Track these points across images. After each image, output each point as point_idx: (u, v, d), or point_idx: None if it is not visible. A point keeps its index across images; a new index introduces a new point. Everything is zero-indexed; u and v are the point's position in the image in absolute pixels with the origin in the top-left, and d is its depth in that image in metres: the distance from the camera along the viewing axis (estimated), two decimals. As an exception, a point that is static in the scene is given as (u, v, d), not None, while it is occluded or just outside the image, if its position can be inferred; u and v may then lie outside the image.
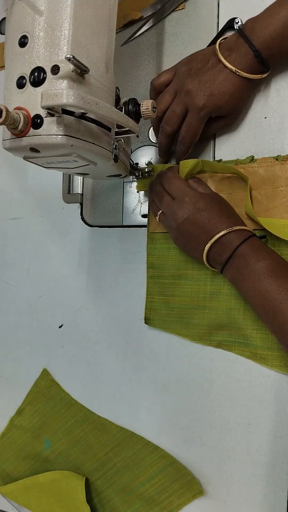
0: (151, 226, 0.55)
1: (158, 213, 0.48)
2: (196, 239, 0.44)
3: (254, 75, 0.43)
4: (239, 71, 0.42)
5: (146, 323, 0.55)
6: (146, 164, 0.54)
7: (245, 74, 0.42)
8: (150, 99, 0.48)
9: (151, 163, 0.54)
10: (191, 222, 0.44)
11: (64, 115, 0.33)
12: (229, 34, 0.49)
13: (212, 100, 0.43)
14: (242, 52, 0.42)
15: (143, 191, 0.56)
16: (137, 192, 0.57)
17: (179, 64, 0.47)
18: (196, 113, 0.44)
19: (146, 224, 0.54)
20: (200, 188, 0.47)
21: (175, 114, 0.46)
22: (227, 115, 0.46)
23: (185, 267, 0.52)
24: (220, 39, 0.45)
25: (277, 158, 0.46)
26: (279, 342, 0.42)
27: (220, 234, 0.42)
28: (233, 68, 0.42)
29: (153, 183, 0.51)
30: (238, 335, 0.49)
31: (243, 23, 0.48)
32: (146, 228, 0.55)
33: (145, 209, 0.56)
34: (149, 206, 0.55)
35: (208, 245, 0.43)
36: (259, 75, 0.43)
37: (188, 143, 0.47)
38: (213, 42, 0.50)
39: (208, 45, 0.50)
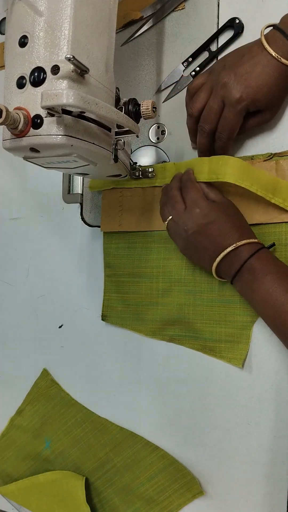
0: (103, 226, 0.57)
1: (168, 218, 0.47)
2: (206, 251, 0.44)
3: None
4: (280, 57, 0.40)
5: (103, 319, 0.58)
6: (133, 165, 0.53)
7: (286, 61, 0.40)
8: (186, 105, 0.47)
9: (136, 163, 0.54)
10: (201, 233, 0.43)
11: (64, 115, 0.33)
12: (228, 33, 0.50)
13: (249, 92, 0.41)
14: (279, 45, 0.41)
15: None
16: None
17: (214, 63, 0.46)
18: (233, 107, 0.42)
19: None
20: (211, 194, 0.46)
21: (212, 110, 0.44)
22: (265, 110, 0.44)
23: (139, 266, 0.55)
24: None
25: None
26: None
27: (229, 249, 0.42)
28: (274, 53, 0.40)
29: (167, 185, 0.50)
30: (188, 329, 0.52)
31: (243, 23, 0.48)
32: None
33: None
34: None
35: (218, 259, 0.43)
36: None
37: (225, 138, 0.45)
38: (210, 41, 0.50)
39: (204, 44, 0.50)
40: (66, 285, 0.61)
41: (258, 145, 0.48)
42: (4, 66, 0.43)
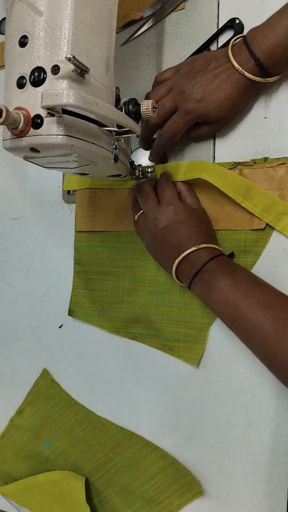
0: (77, 225, 0.59)
1: (138, 213, 0.49)
2: (170, 249, 0.45)
3: (255, 77, 0.42)
4: (244, 71, 0.41)
5: (69, 315, 0.60)
6: (133, 165, 0.54)
7: (249, 75, 0.42)
8: (148, 93, 0.49)
9: (133, 161, 0.54)
10: (169, 230, 0.45)
11: (64, 115, 0.33)
12: (229, 33, 0.50)
13: (200, 106, 0.44)
14: (243, 59, 0.42)
15: None
16: (67, 191, 0.61)
17: (183, 62, 0.48)
18: (183, 115, 0.45)
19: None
20: (189, 199, 0.48)
21: (163, 108, 0.46)
22: (215, 122, 0.46)
23: (107, 264, 0.57)
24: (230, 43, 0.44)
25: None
26: (250, 349, 0.42)
27: (191, 250, 0.43)
28: (239, 67, 0.41)
29: (140, 183, 0.51)
30: (150, 328, 0.54)
31: (243, 23, 0.49)
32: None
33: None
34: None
35: (180, 257, 0.44)
36: (259, 78, 0.42)
37: (167, 139, 0.48)
38: (210, 41, 0.51)
39: (204, 44, 0.51)
40: (66, 285, 0.61)
41: (264, 144, 0.48)
42: (4, 66, 0.43)
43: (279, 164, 0.46)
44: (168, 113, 0.47)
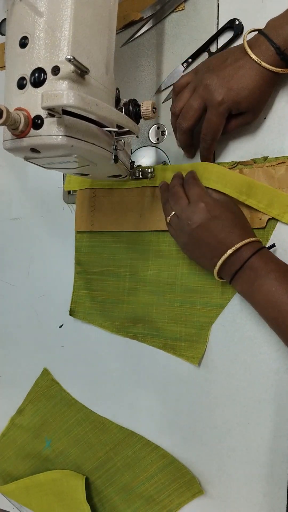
0: (77, 225, 0.59)
1: (171, 215, 0.47)
2: (208, 247, 0.44)
3: (276, 68, 0.41)
4: (262, 62, 0.41)
5: (70, 315, 0.60)
6: (133, 165, 0.54)
7: (268, 66, 0.41)
8: (172, 103, 0.48)
9: (133, 162, 0.55)
10: (204, 229, 0.43)
11: (65, 115, 0.33)
12: (228, 34, 0.50)
13: (230, 95, 0.42)
14: (262, 49, 0.41)
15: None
16: (67, 191, 0.61)
17: (199, 65, 0.47)
18: (215, 109, 0.43)
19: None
20: (216, 194, 0.47)
21: (191, 109, 0.45)
22: (247, 112, 0.45)
23: (108, 264, 0.57)
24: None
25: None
26: None
27: (234, 248, 0.42)
28: (255, 58, 0.41)
29: (165, 183, 0.51)
30: (151, 327, 0.54)
31: (243, 24, 0.49)
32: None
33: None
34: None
35: (222, 258, 0.42)
36: (280, 69, 0.42)
37: (209, 140, 0.46)
38: (210, 42, 0.51)
39: (204, 44, 0.51)
40: (66, 285, 0.61)
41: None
42: (4, 66, 0.44)
43: (278, 163, 0.46)
44: (198, 112, 0.45)
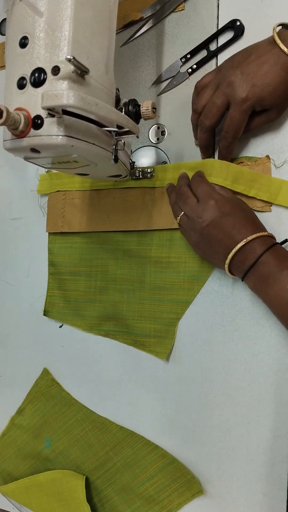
0: (48, 227, 0.61)
1: (180, 215, 0.47)
2: (220, 244, 0.43)
3: None
4: None
5: (45, 315, 0.62)
6: (133, 165, 0.54)
7: None
8: (192, 102, 0.47)
9: (134, 162, 0.55)
10: (216, 225, 0.43)
11: (65, 115, 0.33)
12: (228, 34, 0.50)
13: (255, 91, 0.41)
14: None
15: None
16: (38, 194, 0.63)
17: (223, 62, 0.46)
18: (239, 106, 0.42)
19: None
20: (225, 192, 0.46)
21: (214, 106, 0.44)
22: (271, 109, 0.44)
23: (79, 265, 0.59)
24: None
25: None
26: None
27: (245, 241, 0.41)
28: (286, 49, 0.40)
29: (171, 185, 0.50)
30: (121, 325, 0.56)
31: (244, 25, 0.49)
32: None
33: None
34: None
35: (233, 251, 0.42)
36: None
37: (231, 137, 0.45)
38: (210, 40, 0.51)
39: (203, 42, 0.51)
40: (66, 285, 0.61)
41: (262, 145, 0.48)
42: (4, 66, 0.44)
43: (239, 162, 0.48)
44: (221, 110, 0.44)
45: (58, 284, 0.61)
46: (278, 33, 0.42)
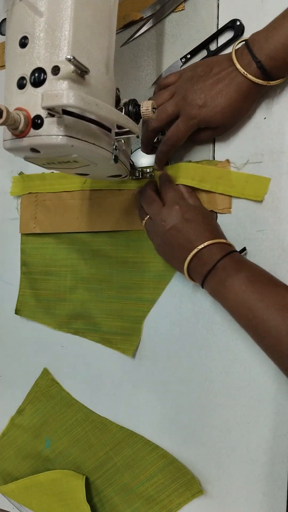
0: (20, 228, 0.64)
1: (146, 218, 0.49)
2: (180, 248, 0.45)
3: (258, 80, 0.42)
4: (247, 73, 0.41)
5: (16, 313, 0.64)
6: (132, 165, 0.55)
7: (252, 78, 0.41)
8: (152, 97, 0.49)
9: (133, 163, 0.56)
10: (177, 230, 0.45)
11: (65, 115, 0.33)
12: (228, 34, 0.50)
13: (203, 112, 0.44)
14: (245, 62, 0.41)
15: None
16: (12, 196, 0.65)
17: (187, 68, 0.47)
18: (186, 121, 0.45)
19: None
20: (191, 200, 0.48)
21: (165, 112, 0.46)
22: (218, 127, 0.46)
23: (50, 264, 0.61)
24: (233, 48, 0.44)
25: None
26: (264, 351, 0.41)
27: (202, 245, 0.43)
28: (242, 70, 0.41)
29: (137, 190, 0.52)
30: (90, 323, 0.58)
31: (244, 25, 0.49)
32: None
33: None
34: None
35: (190, 255, 0.44)
36: (262, 81, 0.42)
37: (170, 145, 0.48)
38: (210, 40, 0.51)
39: (203, 42, 0.51)
40: (66, 285, 0.61)
41: (264, 144, 0.48)
42: (4, 66, 0.44)
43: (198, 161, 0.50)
44: (170, 118, 0.46)
45: (29, 284, 0.63)
46: (237, 50, 0.43)
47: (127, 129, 0.40)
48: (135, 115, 0.41)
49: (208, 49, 0.51)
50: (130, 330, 0.55)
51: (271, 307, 0.39)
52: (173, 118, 0.46)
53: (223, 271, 0.42)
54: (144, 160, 0.56)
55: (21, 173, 0.64)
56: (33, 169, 0.63)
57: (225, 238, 0.46)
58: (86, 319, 0.58)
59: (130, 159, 0.50)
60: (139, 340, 0.54)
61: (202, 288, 0.45)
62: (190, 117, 0.45)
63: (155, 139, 0.52)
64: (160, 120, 0.47)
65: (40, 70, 0.34)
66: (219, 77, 0.43)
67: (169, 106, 0.46)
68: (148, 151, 0.53)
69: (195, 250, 0.43)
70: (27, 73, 0.35)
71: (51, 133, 0.33)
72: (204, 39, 0.51)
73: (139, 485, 0.55)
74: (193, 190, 0.50)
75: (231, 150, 0.50)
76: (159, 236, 0.47)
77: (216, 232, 0.46)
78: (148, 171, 0.53)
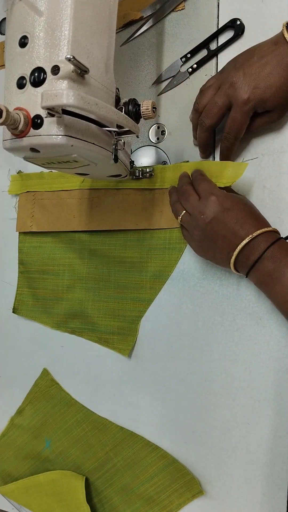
0: (17, 226, 0.63)
1: (182, 213, 0.46)
2: (223, 240, 0.42)
3: None
4: None
5: (14, 312, 0.65)
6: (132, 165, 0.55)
7: None
8: (196, 100, 0.47)
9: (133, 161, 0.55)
10: (218, 221, 0.42)
11: (64, 115, 0.33)
12: (229, 33, 0.50)
13: (257, 93, 0.41)
14: None
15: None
16: (10, 195, 0.65)
17: (226, 64, 0.45)
18: (241, 107, 0.42)
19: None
20: (225, 190, 0.46)
21: (216, 106, 0.44)
22: (273, 110, 0.44)
23: (48, 263, 0.61)
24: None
25: None
26: None
27: (250, 237, 0.40)
28: None
29: (170, 188, 0.50)
30: (87, 322, 0.58)
31: (244, 24, 0.49)
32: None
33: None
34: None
35: (239, 247, 0.41)
36: None
37: (232, 139, 0.45)
38: (210, 39, 0.51)
39: (204, 41, 0.51)
40: (66, 285, 0.61)
41: (264, 144, 0.48)
42: (4, 65, 0.43)
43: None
44: (222, 110, 0.44)
45: (27, 283, 0.63)
46: (277, 35, 0.41)
47: (127, 129, 0.40)
48: (135, 114, 0.41)
49: (208, 49, 0.51)
50: (127, 330, 0.55)
51: None
52: (224, 111, 0.44)
53: (269, 262, 0.40)
54: (144, 159, 0.56)
55: (19, 172, 0.64)
56: (32, 168, 0.63)
57: (269, 224, 0.43)
58: (83, 319, 0.59)
59: (130, 159, 0.50)
60: (135, 340, 0.55)
61: (246, 277, 0.43)
62: (244, 101, 0.42)
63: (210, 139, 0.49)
64: (212, 116, 0.44)
65: (40, 70, 0.34)
66: (265, 61, 0.41)
67: (217, 98, 0.43)
68: (208, 155, 0.50)
69: (244, 242, 0.41)
70: (27, 73, 0.35)
71: (51, 133, 0.33)
72: (204, 39, 0.51)
73: (139, 486, 0.55)
74: None
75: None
76: (199, 230, 0.44)
77: (259, 218, 0.43)
78: (148, 170, 0.53)
